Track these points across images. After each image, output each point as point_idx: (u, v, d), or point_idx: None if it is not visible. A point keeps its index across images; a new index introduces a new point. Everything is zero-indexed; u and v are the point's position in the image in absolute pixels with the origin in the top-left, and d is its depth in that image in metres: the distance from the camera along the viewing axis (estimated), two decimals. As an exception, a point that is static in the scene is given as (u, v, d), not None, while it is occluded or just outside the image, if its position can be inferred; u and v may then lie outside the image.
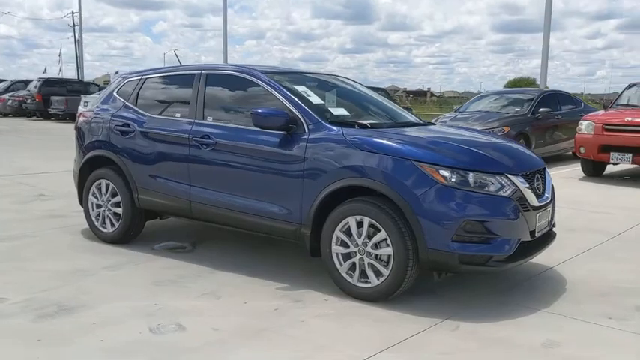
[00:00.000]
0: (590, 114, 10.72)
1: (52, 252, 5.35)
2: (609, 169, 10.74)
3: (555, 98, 12.61)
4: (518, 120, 11.68)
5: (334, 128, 4.40)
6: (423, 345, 3.50)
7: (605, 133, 9.75)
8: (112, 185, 5.56)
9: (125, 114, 5.54)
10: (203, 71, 5.22)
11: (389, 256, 4.03)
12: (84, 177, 5.82)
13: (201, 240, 5.80)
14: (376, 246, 4.08)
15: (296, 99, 4.63)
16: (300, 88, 4.86)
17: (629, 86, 11.49)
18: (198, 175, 4.96)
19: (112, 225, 5.60)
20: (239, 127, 4.82)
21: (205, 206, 4.95)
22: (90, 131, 5.79)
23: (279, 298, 4.26)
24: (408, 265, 3.97)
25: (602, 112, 10.81)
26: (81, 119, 6.00)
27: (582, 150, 10.09)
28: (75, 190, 6.08)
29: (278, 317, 3.91)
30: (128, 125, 5.44)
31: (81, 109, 5.97)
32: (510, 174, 4.07)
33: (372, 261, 4.10)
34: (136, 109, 5.51)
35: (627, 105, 10.90)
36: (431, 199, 3.90)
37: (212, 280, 4.63)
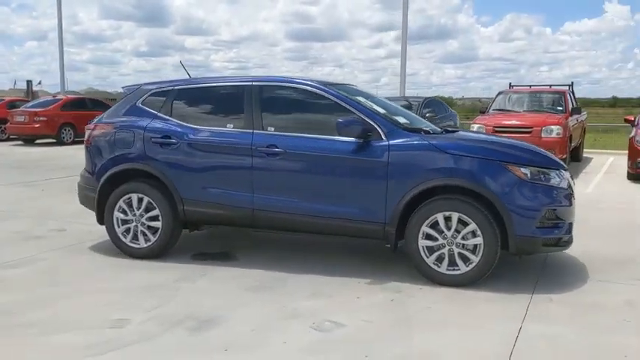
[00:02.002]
0: (478, 117, 12.26)
1: (91, 272, 5.12)
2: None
3: (433, 103, 14.10)
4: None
5: (412, 135, 4.90)
6: (544, 314, 4.17)
7: (495, 134, 11.26)
8: (146, 199, 5.40)
9: (162, 125, 5.43)
10: (254, 83, 5.35)
11: (475, 245, 4.64)
12: (105, 193, 5.55)
13: (232, 248, 5.86)
14: (463, 237, 4.66)
15: (367, 109, 5.04)
16: (361, 99, 5.25)
17: (499, 94, 13.36)
18: (264, 183, 5.10)
19: (147, 240, 5.45)
20: (309, 136, 5.07)
21: (272, 213, 5.11)
22: (114, 144, 5.54)
23: (381, 291, 4.65)
24: (496, 252, 4.62)
25: (487, 115, 12.39)
26: (96, 132, 5.69)
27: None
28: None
29: (405, 307, 4.32)
30: (169, 137, 5.35)
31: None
32: (562, 169, 4.92)
33: (461, 250, 4.68)
34: (174, 120, 5.43)
35: (502, 110, 12.67)
36: (517, 193, 4.59)
37: (300, 282, 4.84)
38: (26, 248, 5.83)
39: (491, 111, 12.80)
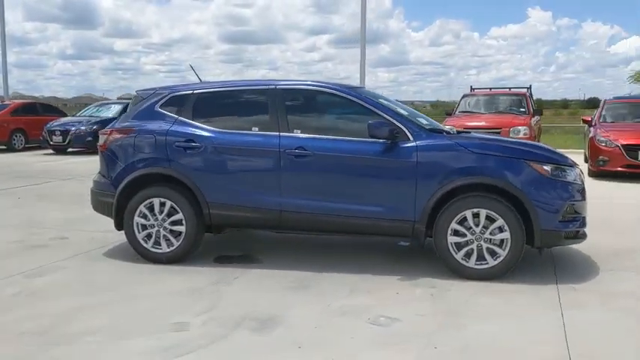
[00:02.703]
0: (447, 119, 12.66)
1: (123, 278, 5.08)
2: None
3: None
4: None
5: (437, 135, 5.11)
6: (576, 303, 4.43)
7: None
8: (169, 203, 5.38)
9: (185, 129, 5.42)
10: (278, 87, 5.42)
11: (502, 240, 4.88)
12: (124, 198, 5.49)
13: (251, 251, 5.90)
14: (491, 232, 4.90)
15: (393, 111, 5.21)
16: (384, 102, 5.42)
17: (463, 96, 13.86)
18: (292, 185, 5.18)
19: (170, 244, 5.43)
20: (337, 138, 5.20)
21: (300, 214, 5.20)
22: (134, 149, 5.50)
23: (415, 287, 4.83)
24: (522, 246, 4.88)
25: (455, 117, 12.82)
26: (113, 137, 5.62)
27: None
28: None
29: (446, 301, 4.51)
30: (193, 140, 5.35)
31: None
32: (575, 166, 5.24)
33: (489, 245, 4.91)
34: (197, 124, 5.43)
35: (468, 112, 13.15)
36: (542, 190, 4.87)
37: (334, 281, 4.95)
38: (36, 258, 5.68)
39: (457, 113, 13.26)
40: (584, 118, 13.60)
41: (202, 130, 5.40)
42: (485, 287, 4.78)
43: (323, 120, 5.52)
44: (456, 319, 4.11)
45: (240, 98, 5.64)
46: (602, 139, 11.31)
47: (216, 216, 5.36)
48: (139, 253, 5.52)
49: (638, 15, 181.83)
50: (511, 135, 11.36)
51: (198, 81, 6.10)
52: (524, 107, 12.85)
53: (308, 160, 5.15)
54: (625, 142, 10.98)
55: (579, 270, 5.30)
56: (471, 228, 4.93)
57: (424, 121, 5.48)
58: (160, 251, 5.45)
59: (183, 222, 5.38)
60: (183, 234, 5.39)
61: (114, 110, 18.43)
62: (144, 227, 5.47)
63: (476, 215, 4.92)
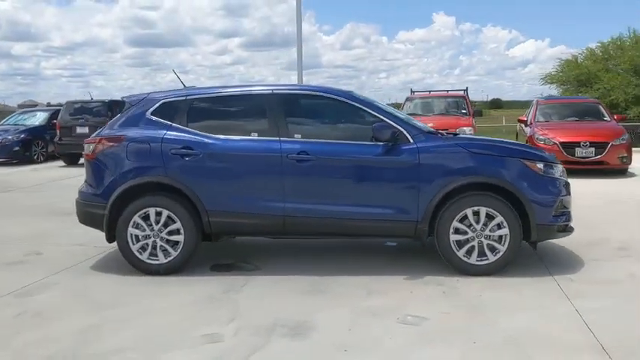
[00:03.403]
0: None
1: (124, 292, 4.90)
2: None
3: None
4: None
5: (435, 137, 5.27)
6: (579, 292, 4.67)
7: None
8: (166, 212, 5.24)
9: (180, 136, 5.28)
10: (275, 91, 5.40)
11: (500, 236, 5.09)
12: (117, 209, 5.29)
13: (244, 258, 5.82)
14: (491, 229, 5.10)
15: (392, 114, 5.32)
16: (382, 105, 5.52)
17: (407, 99, 14.27)
18: (295, 190, 5.17)
19: (167, 255, 5.28)
20: (338, 142, 5.25)
21: (304, 219, 5.20)
22: (126, 158, 5.30)
23: (425, 285, 4.94)
24: (520, 241, 5.12)
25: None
26: (102, 146, 5.38)
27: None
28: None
29: (461, 297, 4.65)
30: (190, 147, 5.23)
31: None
32: (559, 163, 5.54)
33: (489, 242, 5.11)
34: (193, 130, 5.31)
35: (413, 114, 13.47)
36: (537, 187, 5.13)
37: (346, 283, 4.98)
38: (19, 276, 5.37)
39: (402, 115, 13.58)
40: (520, 118, 14.30)
41: (199, 136, 5.28)
42: (489, 282, 4.96)
43: (322, 124, 5.56)
44: (480, 314, 4.25)
45: (236, 104, 5.56)
46: (541, 137, 11.94)
47: (217, 224, 5.26)
48: (133, 265, 5.32)
49: (533, 20, 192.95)
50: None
51: (182, 86, 5.97)
52: (464, 109, 13.38)
53: (311, 165, 5.15)
54: (563, 140, 11.65)
55: (565, 261, 5.58)
56: (471, 226, 5.11)
57: (420, 124, 5.62)
58: (156, 262, 5.29)
59: (181, 231, 5.25)
60: (182, 243, 5.26)
61: (40, 118, 17.63)
62: (138, 238, 5.29)
63: (476, 213, 5.10)
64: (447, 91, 15.38)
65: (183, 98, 5.49)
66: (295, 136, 5.26)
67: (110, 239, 5.41)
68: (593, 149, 11.45)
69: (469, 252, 5.14)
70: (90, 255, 6.00)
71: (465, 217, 5.10)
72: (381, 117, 5.24)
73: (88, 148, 5.49)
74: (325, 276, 5.16)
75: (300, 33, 17.38)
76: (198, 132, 5.31)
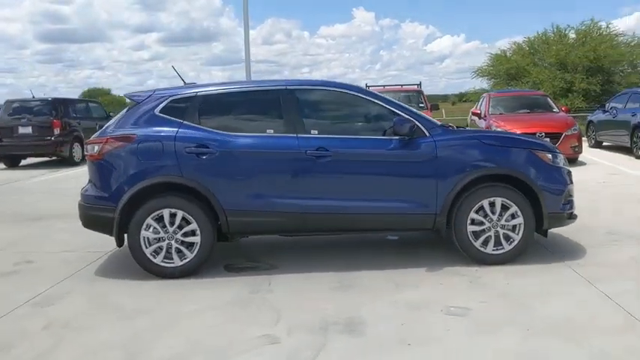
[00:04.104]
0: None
1: (149, 297, 4.73)
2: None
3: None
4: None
5: (451, 130, 5.36)
6: (596, 276, 4.86)
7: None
8: (181, 213, 5.07)
9: (193, 134, 5.11)
10: (289, 87, 5.31)
11: (514, 225, 5.24)
12: (127, 211, 5.07)
13: (257, 258, 5.72)
14: (506, 219, 5.24)
15: (407, 109, 5.36)
16: (394, 100, 5.55)
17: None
18: (314, 186, 5.12)
19: (182, 257, 5.11)
20: (356, 137, 5.24)
21: (323, 215, 5.16)
22: (136, 157, 5.08)
23: (449, 275, 5.01)
24: (533, 230, 5.28)
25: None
26: (110, 146, 5.12)
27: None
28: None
29: (488, 286, 4.74)
30: (205, 145, 5.07)
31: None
32: (561, 153, 5.76)
33: (505, 231, 5.25)
34: (206, 128, 5.15)
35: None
36: (548, 176, 5.31)
37: (374, 277, 4.99)
38: (19, 285, 5.09)
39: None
40: (473, 111, 14.72)
41: (214, 134, 5.13)
42: (509, 270, 5.09)
43: (337, 119, 5.52)
44: (516, 302, 4.36)
45: (249, 100, 5.43)
46: (498, 129, 12.35)
47: (235, 223, 5.14)
48: (146, 269, 5.12)
49: (450, 16, 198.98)
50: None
51: (181, 83, 5.79)
52: (422, 102, 13.64)
53: (330, 160, 5.11)
54: (520, 132, 12.07)
55: (566, 248, 5.77)
56: (487, 216, 5.23)
57: (432, 118, 5.69)
58: (171, 265, 5.11)
59: (197, 232, 5.09)
60: (198, 245, 5.10)
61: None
62: (151, 241, 5.09)
63: (491, 204, 5.23)
64: (402, 85, 15.62)
65: (193, 95, 5.32)
66: (312, 132, 5.21)
67: (120, 243, 5.18)
68: (547, 140, 11.92)
69: (485, 242, 5.25)
70: (89, 260, 5.73)
71: (482, 207, 5.21)
72: (397, 111, 5.27)
73: (93, 149, 5.22)
74: (345, 271, 5.15)
75: (247, 35, 17.21)
76: (211, 129, 5.16)
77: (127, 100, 5.90)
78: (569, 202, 5.50)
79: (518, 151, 5.31)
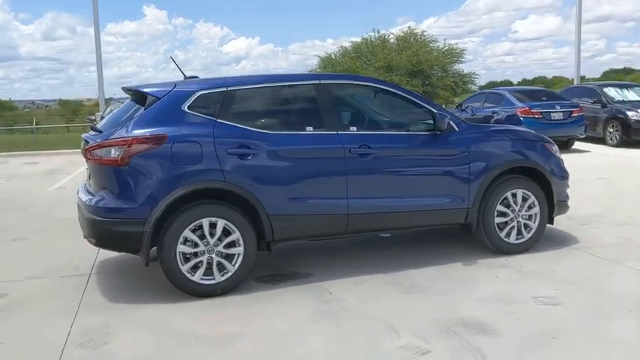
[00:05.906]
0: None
1: (200, 323, 4.16)
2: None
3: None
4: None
5: (477, 125, 5.47)
6: (612, 257, 5.27)
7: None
8: (222, 222, 4.50)
9: (233, 132, 4.55)
10: (323, 82, 4.98)
11: (531, 215, 5.50)
12: (161, 224, 4.38)
13: (285, 266, 5.27)
14: (525, 209, 5.47)
15: (437, 105, 5.34)
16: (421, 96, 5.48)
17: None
18: (357, 185, 4.86)
19: (223, 272, 4.55)
20: (395, 133, 5.11)
21: (367, 215, 4.93)
22: (171, 161, 4.38)
23: (493, 268, 5.08)
24: (546, 218, 5.58)
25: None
26: (137, 148, 4.33)
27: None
28: None
29: (540, 275, 4.88)
30: (247, 146, 4.56)
31: (121, 134, 3.61)
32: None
33: (525, 221, 5.48)
34: (244, 126, 4.63)
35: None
36: (556, 167, 5.65)
37: (425, 276, 4.88)
38: (26, 324, 4.13)
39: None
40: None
41: (253, 132, 4.63)
42: (536, 258, 5.32)
43: (373, 115, 5.31)
44: (585, 287, 4.55)
45: (281, 95, 4.99)
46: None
47: (280, 229, 4.68)
48: (183, 289, 4.47)
49: (243, 18, 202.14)
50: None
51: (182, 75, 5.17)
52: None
53: (373, 158, 4.90)
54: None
55: (557, 234, 6.14)
56: (510, 207, 5.40)
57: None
58: (212, 282, 4.51)
59: (240, 242, 4.56)
60: (241, 256, 4.57)
61: None
62: (190, 256, 4.46)
63: (514, 195, 5.41)
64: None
65: (224, 89, 4.73)
66: (352, 128, 4.95)
67: (148, 262, 4.44)
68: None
69: (509, 233, 5.42)
70: (90, 285, 4.86)
71: (505, 199, 5.38)
72: (428, 107, 5.22)
73: (113, 153, 4.38)
74: (393, 272, 4.97)
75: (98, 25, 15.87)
76: (249, 127, 4.66)
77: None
78: (567, 191, 5.90)
79: (536, 144, 5.58)
